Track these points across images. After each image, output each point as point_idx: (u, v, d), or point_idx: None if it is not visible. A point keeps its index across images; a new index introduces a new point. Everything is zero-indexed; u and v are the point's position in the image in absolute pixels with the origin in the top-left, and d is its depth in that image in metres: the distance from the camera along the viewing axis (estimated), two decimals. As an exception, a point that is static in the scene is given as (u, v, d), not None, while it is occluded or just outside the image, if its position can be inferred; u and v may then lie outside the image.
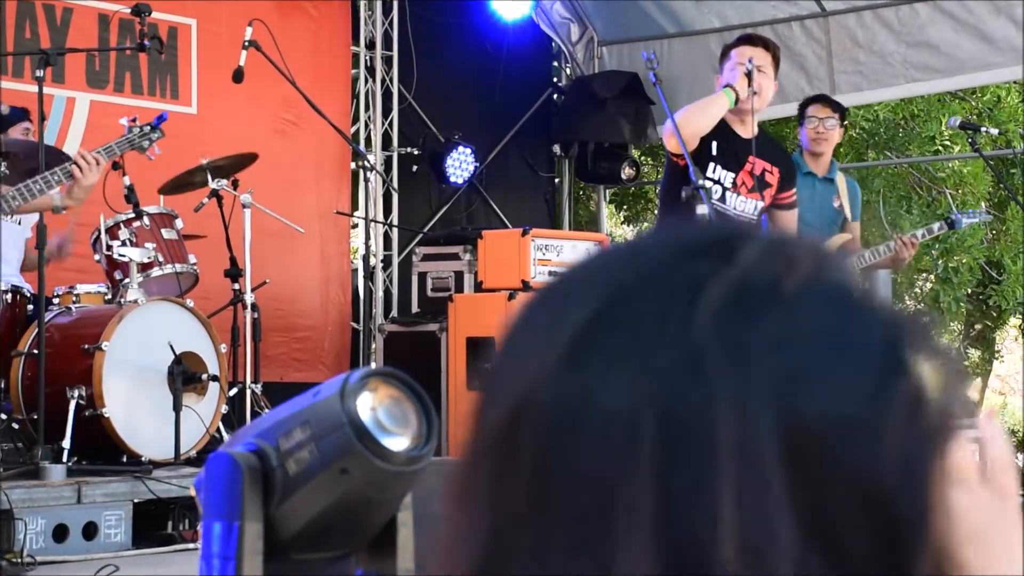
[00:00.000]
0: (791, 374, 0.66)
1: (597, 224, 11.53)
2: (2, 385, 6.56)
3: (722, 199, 5.94)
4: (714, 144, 5.96)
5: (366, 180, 8.97)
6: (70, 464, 6.23)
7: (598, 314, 0.67)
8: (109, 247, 6.79)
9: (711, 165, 5.93)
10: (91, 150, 6.37)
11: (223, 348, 6.89)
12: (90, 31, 8.19)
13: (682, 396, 0.65)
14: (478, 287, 8.09)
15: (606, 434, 0.65)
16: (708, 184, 5.86)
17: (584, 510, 0.64)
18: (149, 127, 6.56)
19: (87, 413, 6.38)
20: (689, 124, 5.85)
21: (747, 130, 6.12)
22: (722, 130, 5.98)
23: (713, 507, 0.63)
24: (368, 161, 8.50)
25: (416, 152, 10.08)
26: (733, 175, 5.99)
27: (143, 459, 6.44)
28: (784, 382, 0.66)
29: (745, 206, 6.02)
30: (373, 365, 8.54)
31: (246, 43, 7.53)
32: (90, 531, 5.99)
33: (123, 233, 6.81)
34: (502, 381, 0.68)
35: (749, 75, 5.88)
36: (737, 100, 5.92)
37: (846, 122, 7.84)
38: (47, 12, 8.09)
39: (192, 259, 7.08)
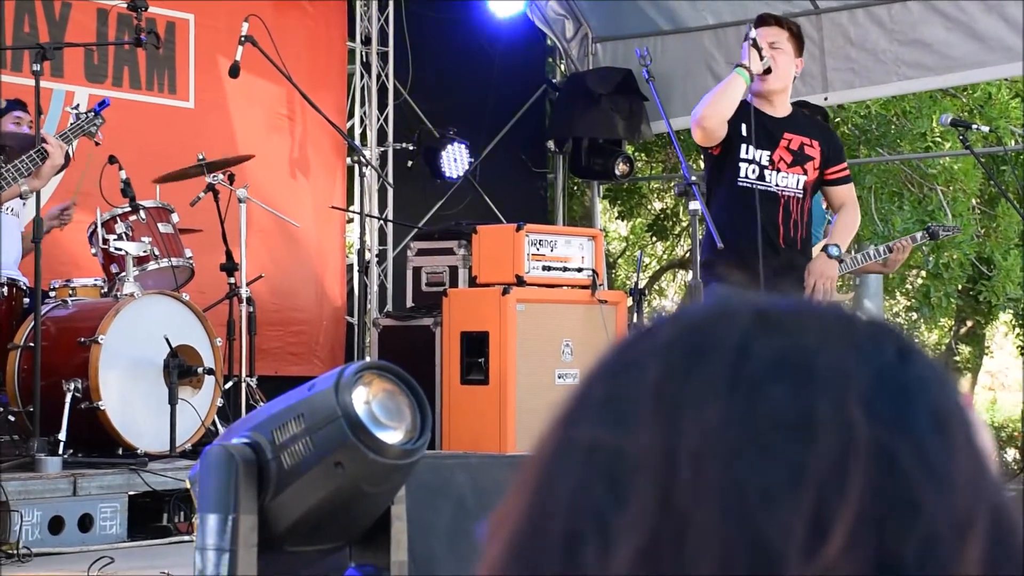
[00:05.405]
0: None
1: (591, 219, 11.57)
2: (-1, 378, 6.61)
3: (760, 177, 5.92)
4: (743, 127, 5.91)
5: (361, 175, 8.99)
6: (66, 456, 6.25)
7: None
8: (105, 241, 6.82)
9: (743, 147, 5.90)
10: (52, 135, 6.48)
11: (219, 342, 6.92)
12: (88, 25, 8.21)
13: None
14: (472, 282, 8.12)
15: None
16: (743, 166, 5.87)
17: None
18: (93, 113, 6.65)
19: (83, 406, 6.41)
20: (712, 113, 5.81)
21: (778, 109, 6.07)
22: (749, 113, 5.92)
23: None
24: (363, 156, 8.53)
25: (411, 147, 10.10)
26: (768, 153, 5.94)
27: (139, 452, 6.47)
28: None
29: (787, 181, 5.98)
30: (368, 359, 8.58)
31: (242, 39, 7.57)
32: (86, 523, 6.01)
33: (119, 227, 6.85)
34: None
35: (754, 45, 5.86)
36: (752, 76, 5.89)
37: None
38: (46, 6, 8.10)
39: (188, 253, 7.11)
